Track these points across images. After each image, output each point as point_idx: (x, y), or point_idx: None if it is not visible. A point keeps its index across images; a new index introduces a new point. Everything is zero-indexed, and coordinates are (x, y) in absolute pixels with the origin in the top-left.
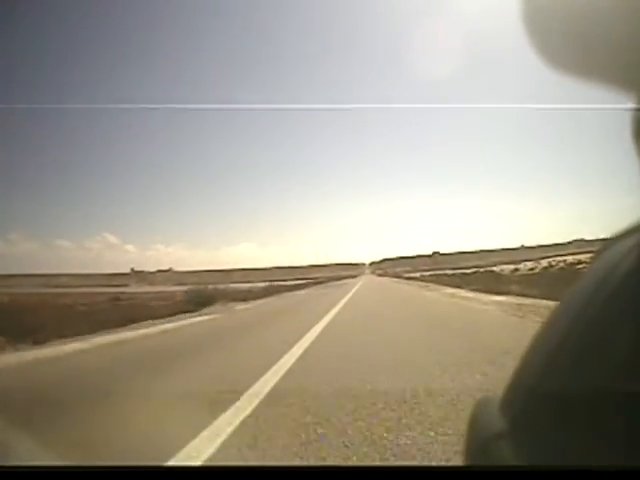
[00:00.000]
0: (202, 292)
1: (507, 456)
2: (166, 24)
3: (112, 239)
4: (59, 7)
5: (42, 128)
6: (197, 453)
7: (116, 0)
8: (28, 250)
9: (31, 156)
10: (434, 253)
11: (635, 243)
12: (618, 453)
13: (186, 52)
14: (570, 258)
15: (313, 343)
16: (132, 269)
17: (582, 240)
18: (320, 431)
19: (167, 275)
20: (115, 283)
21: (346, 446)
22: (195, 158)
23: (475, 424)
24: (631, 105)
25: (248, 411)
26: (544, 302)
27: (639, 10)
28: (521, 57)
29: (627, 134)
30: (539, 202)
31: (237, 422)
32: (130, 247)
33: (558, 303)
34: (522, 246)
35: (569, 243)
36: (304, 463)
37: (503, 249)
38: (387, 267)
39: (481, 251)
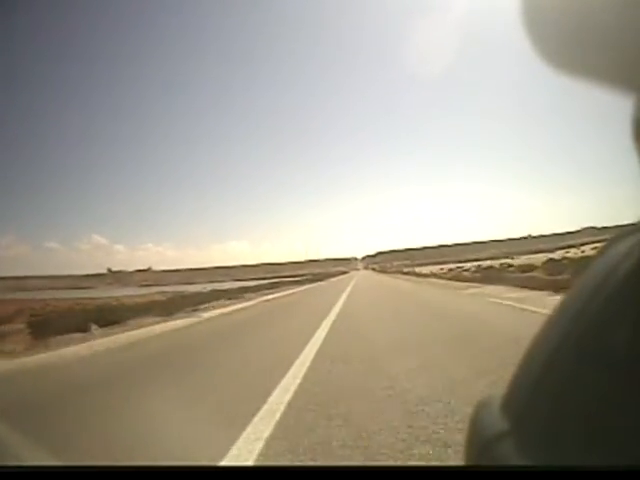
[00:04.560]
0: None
1: (508, 456)
2: (165, 22)
3: (101, 240)
4: (59, 7)
5: (34, 133)
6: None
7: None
8: (20, 253)
9: (22, 160)
10: (440, 245)
11: (635, 243)
12: (618, 453)
13: (182, 52)
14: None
15: None
16: (109, 269)
17: (593, 228)
18: None
19: (146, 275)
20: (85, 285)
21: None
22: (185, 157)
23: (476, 424)
24: (631, 104)
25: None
26: None
27: (639, 9)
28: (523, 56)
29: (628, 132)
30: (541, 192)
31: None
32: (120, 247)
33: (559, 303)
34: (529, 235)
35: (578, 231)
36: (305, 463)
37: (510, 239)
38: (382, 261)
39: (489, 241)
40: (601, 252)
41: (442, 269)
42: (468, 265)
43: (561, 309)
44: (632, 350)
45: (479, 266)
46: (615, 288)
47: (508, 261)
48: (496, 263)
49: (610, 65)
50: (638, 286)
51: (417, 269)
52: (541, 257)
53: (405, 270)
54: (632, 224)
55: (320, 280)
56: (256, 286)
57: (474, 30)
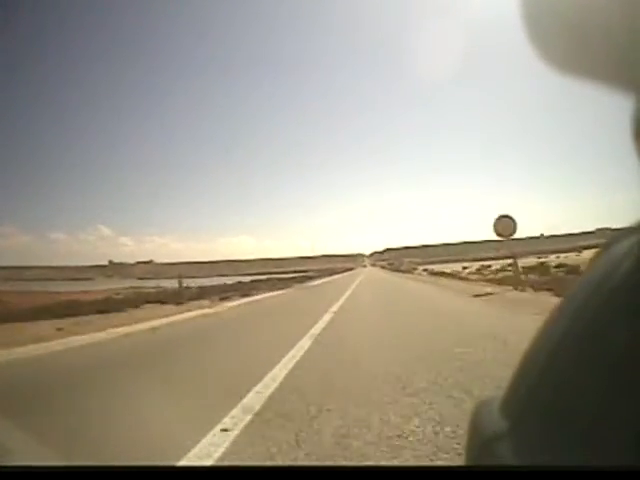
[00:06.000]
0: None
1: (507, 456)
2: (165, 19)
3: (107, 232)
4: (59, 7)
5: (37, 123)
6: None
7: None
8: (23, 243)
9: (26, 150)
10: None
11: (635, 243)
12: (618, 453)
13: (183, 51)
14: None
15: None
16: (110, 261)
17: (608, 229)
18: None
19: (147, 267)
20: (83, 277)
21: None
22: (190, 150)
23: (476, 424)
24: (631, 104)
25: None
26: None
27: (639, 9)
28: (523, 57)
29: (628, 132)
30: (550, 192)
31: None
32: (125, 239)
33: (558, 303)
34: (542, 235)
35: (592, 232)
36: (304, 463)
37: (520, 239)
38: (389, 258)
39: (500, 241)
40: (601, 252)
41: (465, 267)
42: (494, 264)
43: (561, 309)
44: (631, 350)
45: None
46: (615, 288)
47: (561, 260)
48: (532, 262)
49: (610, 65)
50: (638, 286)
51: (432, 267)
52: (573, 255)
53: (421, 268)
54: (631, 225)
55: (318, 278)
56: (234, 284)
57: (473, 34)
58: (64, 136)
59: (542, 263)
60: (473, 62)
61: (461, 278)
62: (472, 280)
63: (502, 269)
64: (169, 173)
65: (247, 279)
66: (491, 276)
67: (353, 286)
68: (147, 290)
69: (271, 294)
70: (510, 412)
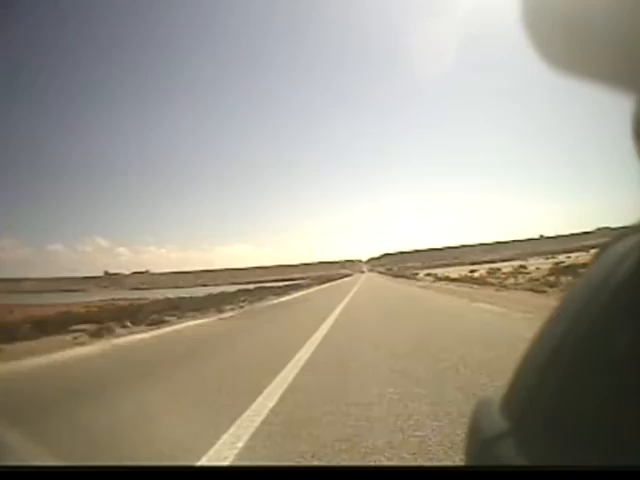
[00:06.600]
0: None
1: (508, 456)
2: (165, 25)
3: (104, 243)
4: (59, 9)
5: (35, 135)
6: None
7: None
8: (22, 255)
9: (24, 160)
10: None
11: (636, 242)
12: (618, 453)
13: (183, 55)
14: None
15: None
16: (105, 272)
17: (607, 228)
18: None
19: (143, 277)
20: (78, 288)
21: None
22: (188, 160)
23: (476, 424)
24: (631, 104)
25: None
26: None
27: (639, 9)
28: (524, 57)
29: (629, 132)
30: (549, 192)
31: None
32: (122, 250)
33: (559, 303)
34: (541, 237)
35: (592, 232)
36: (305, 463)
37: (518, 240)
38: (387, 263)
39: (496, 243)
40: (601, 252)
41: (472, 271)
42: (502, 267)
43: (561, 309)
44: (632, 350)
45: (532, 268)
46: (615, 288)
47: (582, 260)
48: (542, 263)
49: (610, 65)
50: (638, 286)
51: (435, 271)
52: (584, 255)
53: (422, 273)
54: (631, 225)
55: (309, 287)
56: (217, 295)
57: (473, 36)
58: (61, 146)
59: (557, 263)
60: (474, 63)
61: (485, 283)
62: (492, 285)
63: (516, 271)
64: (166, 182)
65: (234, 288)
66: (510, 280)
67: (345, 301)
68: (121, 303)
69: (207, 320)
70: (510, 412)
